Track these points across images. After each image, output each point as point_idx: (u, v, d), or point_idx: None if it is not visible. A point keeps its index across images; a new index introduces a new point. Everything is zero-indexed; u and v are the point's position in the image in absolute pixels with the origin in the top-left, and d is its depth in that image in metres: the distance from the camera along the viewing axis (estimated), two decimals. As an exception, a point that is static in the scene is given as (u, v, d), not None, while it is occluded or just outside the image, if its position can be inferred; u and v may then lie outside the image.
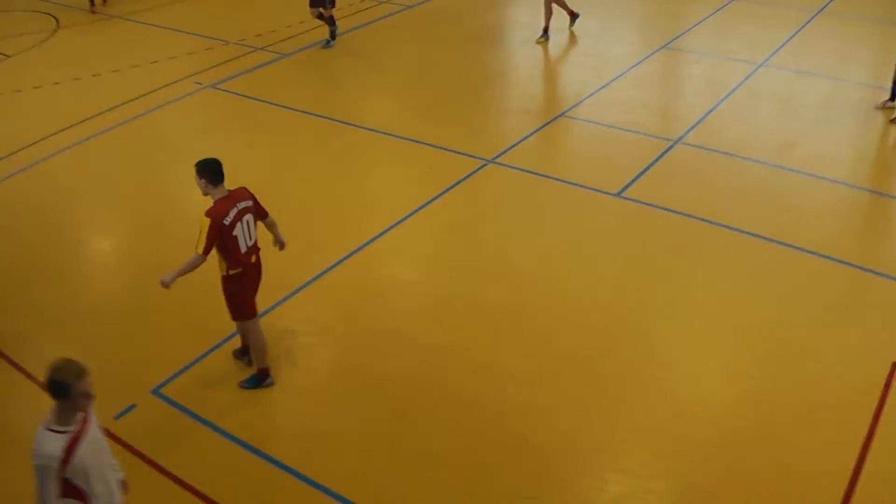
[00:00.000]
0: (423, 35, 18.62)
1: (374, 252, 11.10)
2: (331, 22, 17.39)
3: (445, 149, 13.54)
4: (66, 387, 5.31)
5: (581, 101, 15.23)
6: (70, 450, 5.37)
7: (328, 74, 16.81)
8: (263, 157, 13.40)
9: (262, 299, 9.01)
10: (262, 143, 13.93)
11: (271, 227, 8.80)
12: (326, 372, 9.39)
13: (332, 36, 17.54)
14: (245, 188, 8.47)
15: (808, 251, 11.10)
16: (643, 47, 17.93)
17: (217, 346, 9.37)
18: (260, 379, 8.84)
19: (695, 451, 8.11)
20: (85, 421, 5.53)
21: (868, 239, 11.84)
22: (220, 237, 8.05)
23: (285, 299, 10.12)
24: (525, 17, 17.01)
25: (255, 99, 15.43)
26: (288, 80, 16.39)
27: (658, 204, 12.06)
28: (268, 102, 15.25)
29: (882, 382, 8.87)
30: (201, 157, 8.19)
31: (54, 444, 5.35)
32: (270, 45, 17.66)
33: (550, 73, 16.86)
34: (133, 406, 8.49)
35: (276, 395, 8.82)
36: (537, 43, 17.68)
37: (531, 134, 14.12)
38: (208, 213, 8.04)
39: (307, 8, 17.43)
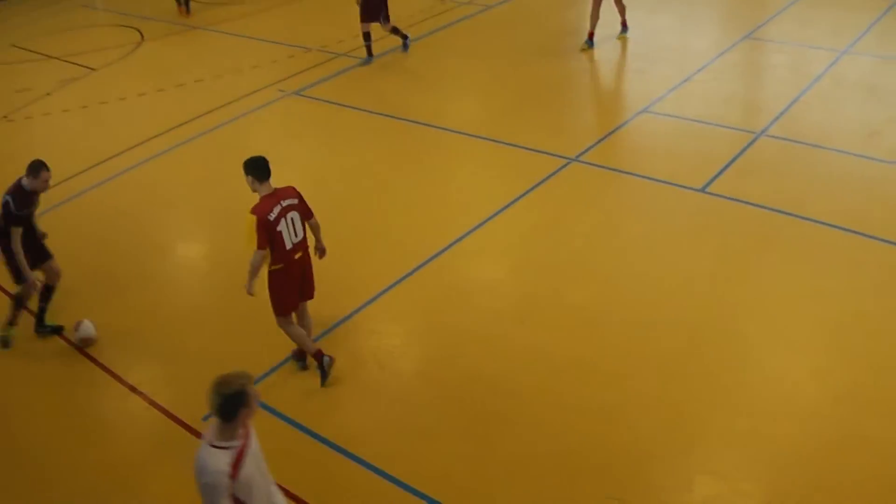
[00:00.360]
0: (502, 35, 18.64)
1: (459, 253, 11.15)
2: (396, 32, 17.41)
3: (528, 148, 13.54)
4: (238, 403, 5.33)
5: (663, 96, 15.09)
6: (237, 464, 5.37)
7: (410, 77, 16.94)
8: (347, 161, 13.59)
9: (349, 301, 9.12)
10: (345, 148, 14.10)
11: (315, 229, 8.99)
12: (413, 373, 9.48)
13: (404, 38, 17.59)
14: (292, 187, 8.70)
15: (888, 241, 10.86)
16: (724, 38, 17.71)
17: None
18: (320, 366, 8.97)
19: (785, 453, 7.96)
20: (247, 434, 5.54)
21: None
22: (266, 232, 8.33)
23: (371, 301, 10.24)
24: (605, 15, 16.85)
25: (338, 104, 15.62)
26: (370, 85, 16.57)
27: (743, 199, 11.89)
28: (351, 107, 15.44)
29: None
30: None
31: (221, 460, 5.33)
32: (352, 51, 17.86)
33: (630, 69, 16.73)
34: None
35: (363, 397, 8.94)
36: (581, 51, 17.29)
37: (614, 131, 14.05)
38: (253, 211, 8.38)
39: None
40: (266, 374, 9.19)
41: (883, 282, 10.23)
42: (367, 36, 17.18)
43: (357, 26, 17.22)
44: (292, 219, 8.54)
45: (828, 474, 7.72)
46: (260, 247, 8.37)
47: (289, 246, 8.54)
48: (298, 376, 9.18)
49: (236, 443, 5.42)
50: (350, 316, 9.72)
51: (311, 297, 9.14)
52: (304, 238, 8.75)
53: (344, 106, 15.51)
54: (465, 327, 9.84)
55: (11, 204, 9.27)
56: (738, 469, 7.91)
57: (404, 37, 17.61)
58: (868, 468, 7.76)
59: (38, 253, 9.87)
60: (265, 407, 8.65)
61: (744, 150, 13.17)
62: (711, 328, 9.61)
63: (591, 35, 17.19)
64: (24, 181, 9.39)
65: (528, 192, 12.33)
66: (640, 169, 12.82)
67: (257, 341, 9.66)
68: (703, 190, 12.16)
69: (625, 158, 13.25)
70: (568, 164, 13.01)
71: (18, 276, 9.56)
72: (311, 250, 9.00)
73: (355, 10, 17.01)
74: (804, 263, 10.62)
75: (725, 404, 8.55)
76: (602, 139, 13.77)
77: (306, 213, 8.77)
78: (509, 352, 9.39)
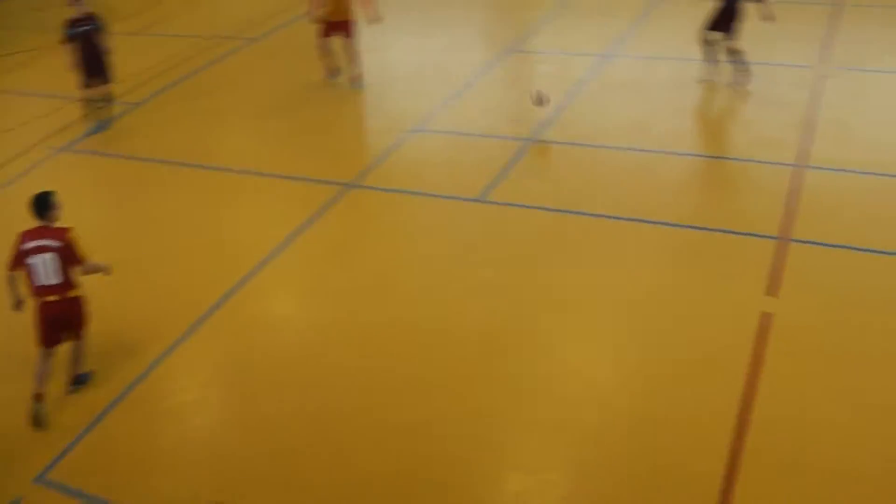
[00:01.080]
0: (269, 68, 18.19)
1: (250, 291, 10.64)
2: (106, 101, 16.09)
3: (306, 178, 13.22)
4: None
5: (434, 113, 15.10)
6: None
7: (179, 118, 16.22)
8: (127, 214, 12.86)
9: (137, 361, 8.73)
10: (120, 200, 13.41)
11: (90, 271, 8.81)
12: (218, 422, 8.89)
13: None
14: (64, 229, 8.58)
15: (669, 223, 11.35)
16: (489, 54, 17.96)
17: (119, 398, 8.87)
18: (34, 406, 8.67)
19: (586, 438, 8.04)
20: None
21: (728, 202, 11.95)
22: (17, 258, 8.51)
23: (164, 355, 9.58)
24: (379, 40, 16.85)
25: (111, 155, 14.76)
26: (143, 130, 15.73)
27: (523, 203, 12.02)
28: (125, 157, 14.59)
29: (754, 333, 9.19)
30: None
31: None
32: (120, 97, 16.96)
33: (400, 90, 16.57)
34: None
35: (159, 457, 8.32)
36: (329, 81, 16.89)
37: (389, 152, 13.89)
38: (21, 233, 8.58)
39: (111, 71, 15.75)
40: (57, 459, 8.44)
41: (666, 261, 10.62)
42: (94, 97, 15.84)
43: (122, 69, 16.26)
44: (46, 259, 8.40)
45: (628, 449, 7.90)
46: (8, 267, 8.55)
47: (37, 283, 8.47)
48: (107, 453, 8.44)
49: None
50: (143, 376, 9.16)
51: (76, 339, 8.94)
52: (64, 285, 8.53)
53: (119, 157, 14.63)
54: (266, 363, 9.42)
55: None
56: (544, 461, 7.95)
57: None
58: (667, 433, 8.01)
59: None
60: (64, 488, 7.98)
61: (519, 156, 13.32)
62: (509, 329, 9.62)
63: (332, 72, 16.71)
64: None
65: (310, 221, 12.00)
66: (420, 186, 12.73)
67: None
68: (482, 199, 12.20)
69: (403, 178, 13.12)
70: (347, 189, 12.77)
71: None
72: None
73: (117, 53, 15.98)
74: (591, 255, 10.83)
75: (528, 401, 8.54)
76: (378, 161, 13.60)
77: (71, 259, 8.51)
78: (316, 380, 9.08)
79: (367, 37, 17.08)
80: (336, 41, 16.33)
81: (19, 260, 8.52)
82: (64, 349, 8.93)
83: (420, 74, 17.07)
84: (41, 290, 8.51)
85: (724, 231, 11.08)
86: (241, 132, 15.53)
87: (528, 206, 11.93)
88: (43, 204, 8.60)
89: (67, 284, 8.58)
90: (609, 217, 11.52)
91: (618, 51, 17.40)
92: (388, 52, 18.50)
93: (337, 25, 16.02)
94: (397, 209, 12.40)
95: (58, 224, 8.67)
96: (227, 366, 9.56)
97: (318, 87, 16.62)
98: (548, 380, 8.82)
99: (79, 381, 9.11)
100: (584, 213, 11.67)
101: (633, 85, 15.82)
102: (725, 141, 14.02)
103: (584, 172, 12.88)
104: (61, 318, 8.68)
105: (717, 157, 13.46)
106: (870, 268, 10.21)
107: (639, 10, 19.41)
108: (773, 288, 9.91)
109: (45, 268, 8.40)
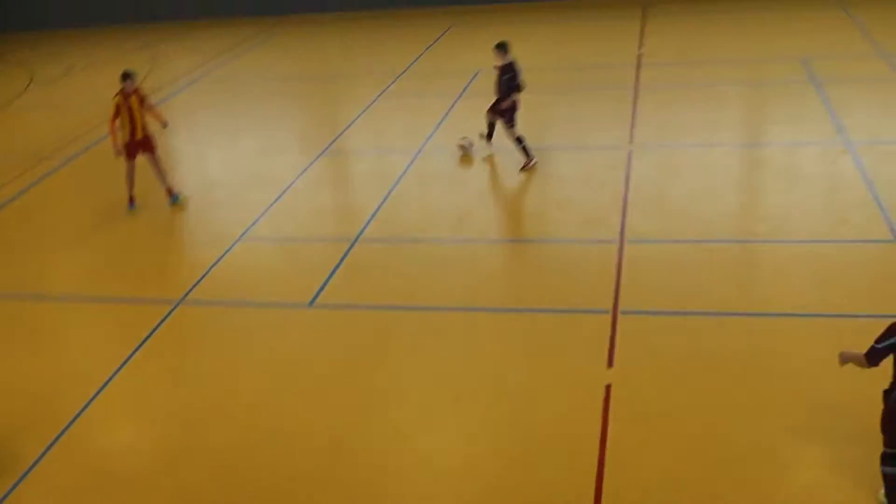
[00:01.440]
0: (86, 191, 17.60)
1: (85, 426, 10.06)
2: None
3: (131, 299, 12.80)
4: None
5: (256, 221, 14.88)
6: None
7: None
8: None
9: None
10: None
11: None
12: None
13: None
14: None
15: (503, 309, 11.58)
16: (304, 157, 17.88)
17: None
18: None
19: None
20: None
21: (558, 282, 12.18)
22: None
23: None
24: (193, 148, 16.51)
25: None
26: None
27: (353, 303, 11.99)
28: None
29: (601, 406, 9.35)
30: None
31: None
32: None
33: (219, 200, 16.28)
34: None
35: None
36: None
37: (214, 265, 13.53)
38: None
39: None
40: None
41: (499, 345, 10.79)
42: None
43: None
44: None
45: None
46: None
47: None
48: None
49: None
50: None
51: None
52: None
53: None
54: (114, 492, 8.94)
55: None
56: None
57: None
58: None
59: None
60: None
61: (344, 257, 13.28)
62: (357, 429, 9.51)
63: (131, 199, 16.03)
64: None
65: (142, 343, 11.54)
66: (249, 296, 12.51)
67: None
68: (311, 304, 12.08)
69: (232, 289, 12.82)
70: (175, 306, 12.38)
71: None
72: None
73: None
74: (429, 347, 10.86)
75: (385, 499, 8.43)
76: (205, 275, 13.23)
77: None
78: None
79: (181, 146, 16.80)
80: (140, 160, 15.93)
81: None
82: None
83: (238, 182, 16.90)
84: None
85: (557, 311, 11.32)
86: (64, 256, 14.85)
87: (360, 306, 11.90)
88: None
89: None
90: (444, 308, 11.62)
91: (428, 145, 17.68)
92: (204, 161, 18.30)
93: (140, 144, 15.69)
94: (229, 322, 12.09)
95: None
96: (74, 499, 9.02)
97: (140, 202, 16.09)
98: (399, 475, 8.73)
99: None
100: (418, 308, 11.71)
101: (450, 176, 16.13)
102: (548, 223, 14.27)
103: (411, 267, 12.98)
104: None
105: (542, 241, 13.72)
106: (697, 330, 10.65)
107: (444, 108, 19.83)
108: (611, 359, 10.15)
109: None
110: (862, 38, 22.30)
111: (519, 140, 15.72)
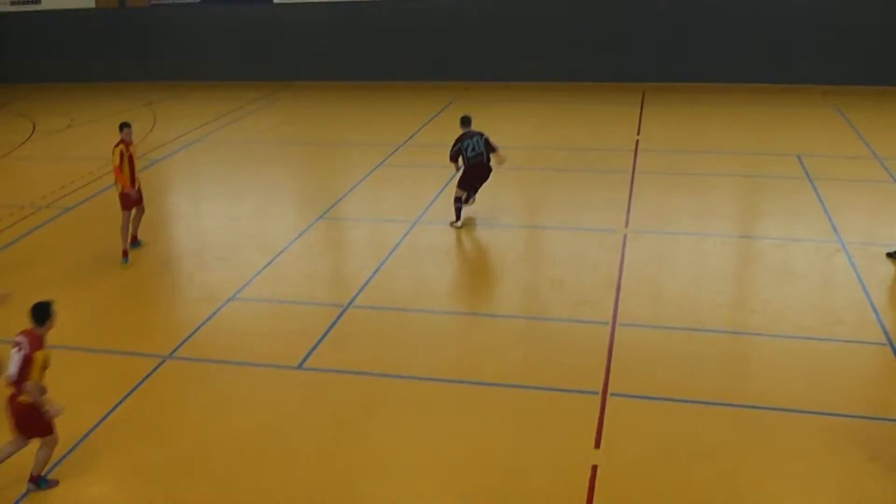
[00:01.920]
0: (85, 238, 17.56)
1: (60, 479, 9.90)
2: None
3: (120, 352, 12.70)
4: None
5: (250, 282, 14.88)
6: None
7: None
8: None
9: None
10: None
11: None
12: None
13: None
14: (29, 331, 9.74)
15: (491, 384, 11.50)
16: (301, 221, 17.94)
17: None
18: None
19: None
20: None
21: (549, 360, 12.13)
22: None
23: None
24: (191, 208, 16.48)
25: None
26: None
27: (341, 368, 11.95)
28: None
29: (586, 486, 9.32)
30: None
31: None
32: None
33: (213, 260, 16.27)
34: None
35: None
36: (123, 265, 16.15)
37: (205, 322, 13.50)
38: None
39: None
40: None
41: (487, 419, 10.71)
42: None
43: None
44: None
45: None
46: None
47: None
48: None
49: None
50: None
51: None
52: (16, 377, 9.43)
53: None
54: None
55: None
56: None
57: None
58: None
59: None
60: None
61: (334, 323, 13.25)
62: (338, 499, 9.38)
63: (125, 253, 16.07)
64: None
65: (126, 396, 11.46)
66: (237, 356, 12.43)
67: None
68: (300, 367, 12.03)
69: (220, 348, 12.77)
70: (163, 362, 12.31)
71: None
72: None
73: None
74: (414, 417, 10.80)
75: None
76: (194, 332, 13.19)
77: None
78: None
79: (179, 205, 16.82)
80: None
81: None
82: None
83: (233, 243, 16.88)
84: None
85: (546, 388, 11.28)
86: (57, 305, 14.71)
87: (348, 372, 11.84)
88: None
89: (16, 379, 9.48)
90: (430, 379, 11.58)
91: (426, 217, 17.76)
92: (201, 220, 18.31)
93: (136, 197, 15.99)
94: (215, 380, 12.02)
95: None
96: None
97: (133, 256, 16.09)
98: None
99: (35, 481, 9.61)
100: (406, 377, 11.66)
101: (444, 248, 16.18)
102: (541, 301, 14.26)
103: (402, 336, 12.94)
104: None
105: (534, 318, 13.70)
106: (687, 417, 10.59)
107: (441, 181, 19.91)
108: (599, 440, 10.10)
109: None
110: (856, 138, 22.63)
111: (457, 200, 16.97)
